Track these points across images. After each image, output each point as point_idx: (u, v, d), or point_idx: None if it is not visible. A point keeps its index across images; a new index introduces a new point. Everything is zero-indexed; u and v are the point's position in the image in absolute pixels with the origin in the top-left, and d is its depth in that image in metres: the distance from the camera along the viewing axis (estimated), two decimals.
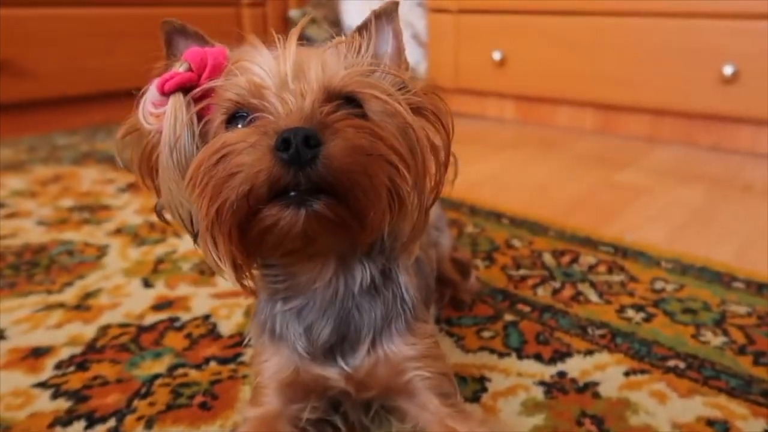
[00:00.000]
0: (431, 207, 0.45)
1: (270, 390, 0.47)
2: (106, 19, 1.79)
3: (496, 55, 1.86)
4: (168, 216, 0.44)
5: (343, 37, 0.45)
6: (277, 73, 0.39)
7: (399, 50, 0.46)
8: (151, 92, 0.40)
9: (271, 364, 0.47)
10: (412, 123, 0.41)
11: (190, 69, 0.40)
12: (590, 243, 0.95)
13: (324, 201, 0.37)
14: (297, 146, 0.34)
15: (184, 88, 0.40)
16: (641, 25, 1.60)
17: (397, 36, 0.46)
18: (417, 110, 0.43)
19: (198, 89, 0.40)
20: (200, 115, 0.41)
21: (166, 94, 0.39)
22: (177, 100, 0.39)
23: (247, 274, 0.43)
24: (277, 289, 0.46)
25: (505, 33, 1.85)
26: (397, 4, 0.45)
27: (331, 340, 0.46)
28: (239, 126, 0.40)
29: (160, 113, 0.40)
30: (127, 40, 1.82)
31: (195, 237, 0.43)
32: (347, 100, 0.40)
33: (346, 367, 0.46)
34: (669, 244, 0.96)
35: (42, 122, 1.72)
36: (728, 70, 1.46)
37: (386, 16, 0.45)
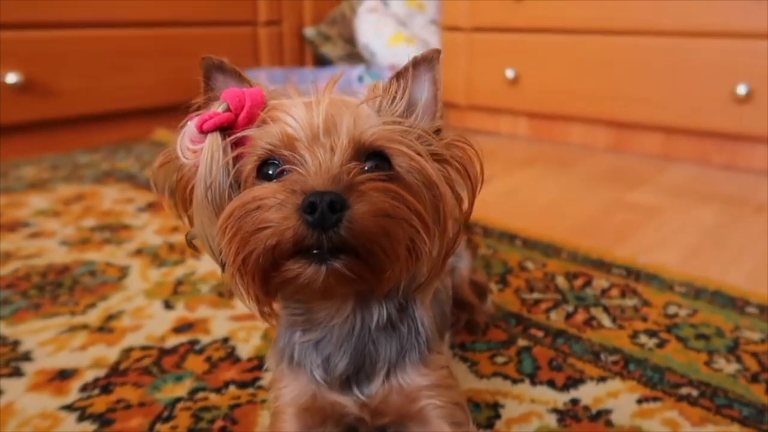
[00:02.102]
0: (451, 254, 0.46)
1: (288, 415, 0.49)
2: (126, 40, 1.83)
3: (510, 73, 1.88)
4: (198, 244, 0.46)
5: (380, 83, 0.46)
6: (309, 125, 0.41)
7: (435, 98, 0.47)
8: (190, 128, 0.42)
9: (290, 390, 0.49)
10: (438, 182, 0.43)
11: (228, 109, 0.42)
12: (603, 265, 0.95)
13: (344, 260, 0.38)
14: (322, 211, 0.36)
15: (222, 127, 0.42)
16: (655, 43, 1.61)
17: (436, 83, 0.47)
18: (445, 159, 0.45)
19: (234, 136, 0.42)
20: (235, 156, 0.43)
21: (204, 132, 0.41)
22: (214, 140, 0.41)
23: (268, 309, 0.45)
24: (296, 320, 0.48)
25: (518, 51, 1.87)
26: (439, 51, 0.47)
27: (348, 371, 0.47)
28: (270, 172, 0.42)
29: (197, 149, 0.42)
30: (146, 59, 1.87)
31: (223, 267, 0.44)
32: (376, 154, 0.42)
33: (361, 396, 0.48)
34: (682, 266, 0.97)
35: (64, 140, 1.76)
36: (742, 89, 1.46)
37: (426, 63, 0.46)
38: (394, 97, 0.45)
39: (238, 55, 2.09)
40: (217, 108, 0.42)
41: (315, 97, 0.43)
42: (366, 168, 0.41)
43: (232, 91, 0.43)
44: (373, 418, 0.49)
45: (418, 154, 0.43)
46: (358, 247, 0.38)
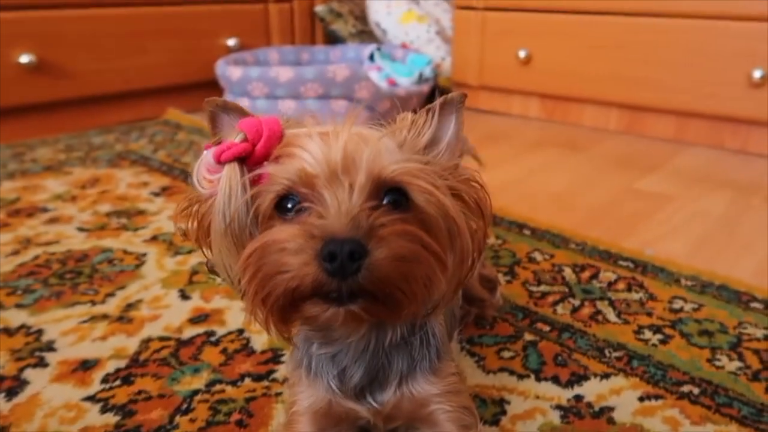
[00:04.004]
0: (465, 283, 0.48)
1: (304, 419, 0.51)
2: (137, 19, 1.83)
3: (522, 53, 1.86)
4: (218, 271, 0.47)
5: (410, 115, 0.47)
6: (326, 162, 0.41)
7: (458, 138, 0.48)
8: (207, 159, 0.42)
9: (306, 396, 0.51)
10: (455, 216, 0.44)
11: (245, 139, 0.42)
12: (610, 257, 0.97)
13: (362, 304, 0.40)
14: (342, 260, 0.37)
15: (240, 158, 0.42)
16: (669, 25, 1.59)
17: (459, 125, 0.48)
18: (459, 196, 0.46)
19: (253, 173, 0.42)
20: (252, 187, 0.43)
21: (222, 163, 0.42)
22: (232, 170, 0.41)
23: (286, 333, 0.47)
24: (314, 335, 0.50)
25: (531, 31, 1.85)
26: (465, 95, 0.48)
27: (362, 382, 0.50)
28: (289, 206, 0.42)
29: (214, 179, 0.42)
30: (158, 38, 1.88)
31: (241, 296, 0.45)
32: (395, 189, 0.42)
33: (374, 404, 0.50)
34: (690, 258, 0.98)
35: (78, 121, 1.77)
36: (757, 74, 1.45)
37: (454, 104, 0.48)
38: (420, 131, 0.46)
39: (249, 33, 2.09)
40: (235, 138, 0.42)
41: (333, 129, 0.43)
42: (384, 202, 0.42)
43: (249, 120, 0.43)
44: (385, 422, 0.51)
45: (437, 188, 0.43)
46: (376, 291, 0.39)
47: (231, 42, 2.03)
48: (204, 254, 0.47)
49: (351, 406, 0.50)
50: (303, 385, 0.52)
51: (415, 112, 0.49)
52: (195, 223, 0.46)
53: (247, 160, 0.42)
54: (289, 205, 0.42)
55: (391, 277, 0.39)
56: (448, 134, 0.48)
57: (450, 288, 0.46)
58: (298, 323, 0.47)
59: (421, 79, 1.94)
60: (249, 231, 0.43)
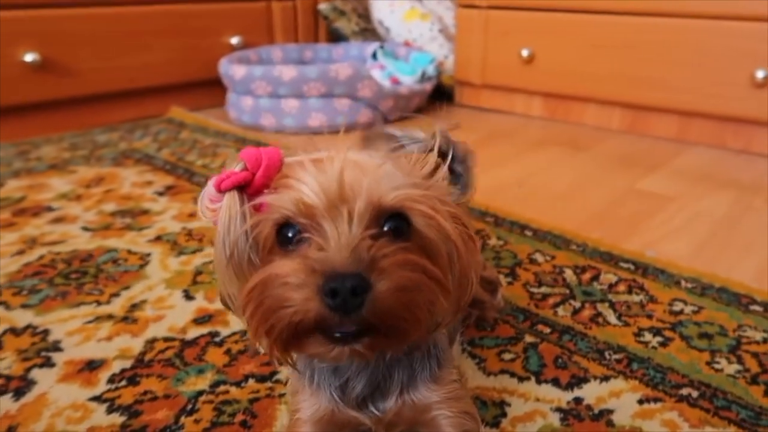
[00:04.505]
0: (467, 303, 0.48)
1: (307, 425, 0.52)
2: (141, 17, 1.83)
3: (525, 52, 1.86)
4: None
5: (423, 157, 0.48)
6: (324, 192, 0.41)
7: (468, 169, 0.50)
8: (209, 189, 0.43)
9: (309, 404, 0.52)
10: (456, 240, 0.44)
11: (245, 168, 0.42)
12: (611, 259, 0.97)
13: (366, 341, 0.40)
14: (344, 297, 0.37)
15: (240, 186, 0.42)
16: (673, 25, 1.59)
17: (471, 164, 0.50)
18: (457, 219, 0.46)
19: (252, 203, 0.43)
20: (253, 215, 0.43)
21: (222, 191, 0.42)
22: (232, 198, 0.42)
23: (290, 360, 0.47)
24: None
25: (534, 30, 1.85)
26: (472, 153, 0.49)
27: (364, 393, 0.50)
28: (290, 235, 0.42)
29: (215, 208, 0.43)
30: (161, 37, 1.88)
31: (246, 324, 0.45)
32: (395, 215, 0.42)
33: (376, 412, 0.51)
34: (691, 259, 0.98)
35: (82, 119, 1.78)
36: (761, 74, 1.45)
37: (467, 159, 0.50)
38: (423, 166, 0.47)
39: (253, 31, 2.09)
40: (235, 167, 0.43)
41: (328, 156, 0.43)
42: (385, 229, 0.42)
43: (249, 150, 0.43)
44: (387, 429, 0.52)
45: (438, 212, 0.43)
46: (380, 324, 0.39)
47: (234, 40, 2.03)
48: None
49: (353, 415, 0.51)
50: (306, 393, 0.52)
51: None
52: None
53: (247, 189, 0.43)
54: (290, 234, 0.42)
55: (394, 309, 0.39)
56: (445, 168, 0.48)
57: (451, 310, 0.46)
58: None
59: (423, 78, 1.94)
60: (249, 260, 0.43)
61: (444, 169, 0.48)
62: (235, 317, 0.81)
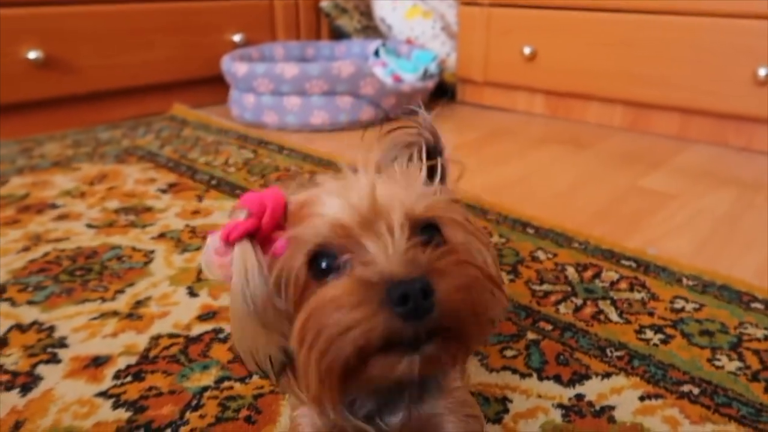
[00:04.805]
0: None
1: None
2: (142, 14, 1.83)
3: (527, 50, 1.86)
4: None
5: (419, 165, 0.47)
6: (356, 209, 0.39)
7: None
8: (214, 242, 0.41)
9: (310, 421, 0.50)
10: (484, 246, 0.44)
11: (250, 215, 0.40)
12: (613, 256, 0.98)
13: (438, 343, 0.37)
14: (416, 300, 0.34)
15: (249, 235, 0.40)
16: (675, 23, 1.59)
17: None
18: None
19: (280, 239, 0.41)
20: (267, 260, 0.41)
21: (231, 244, 0.40)
22: (245, 248, 0.39)
23: (337, 405, 0.42)
24: None
25: (536, 28, 1.85)
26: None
27: (372, 412, 0.48)
28: (324, 266, 0.39)
29: (225, 262, 0.40)
30: (163, 34, 1.88)
31: (277, 378, 0.43)
32: (429, 226, 0.41)
33: (383, 425, 0.49)
34: (692, 257, 0.99)
35: (85, 116, 1.79)
36: (763, 71, 1.45)
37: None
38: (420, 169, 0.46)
39: (255, 28, 2.09)
40: (239, 216, 0.40)
41: (350, 179, 0.42)
42: (429, 243, 0.40)
43: (250, 195, 0.41)
44: None
45: (465, 219, 0.43)
46: (450, 327, 0.37)
47: (236, 37, 2.04)
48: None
49: (360, 426, 0.49)
50: (307, 408, 0.50)
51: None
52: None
53: (256, 236, 0.40)
54: (324, 265, 0.40)
55: (461, 308, 0.37)
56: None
57: (500, 311, 0.44)
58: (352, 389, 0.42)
59: (426, 75, 1.94)
60: (275, 309, 0.40)
61: (439, 167, 0.48)
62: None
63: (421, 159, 0.47)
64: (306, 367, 0.38)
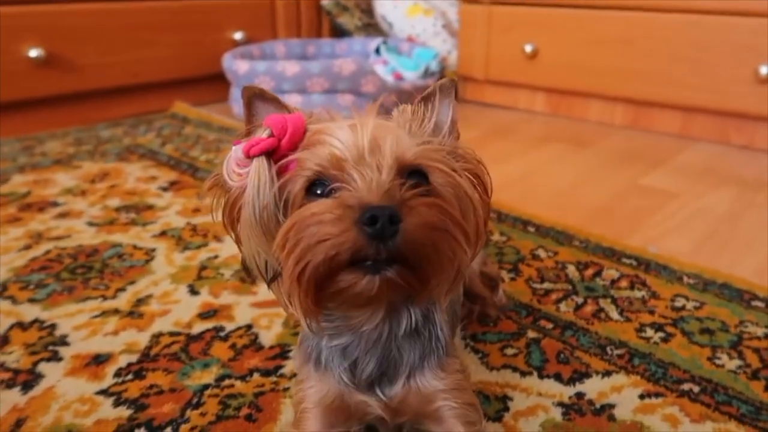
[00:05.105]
0: (473, 260, 0.50)
1: (314, 414, 0.52)
2: (144, 12, 1.84)
3: (528, 48, 1.86)
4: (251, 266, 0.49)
5: (408, 107, 0.50)
6: (355, 146, 0.44)
7: (454, 121, 0.51)
8: (236, 153, 0.45)
9: (316, 391, 0.52)
10: (471, 194, 0.47)
11: (272, 134, 0.44)
12: (614, 254, 0.98)
13: (396, 269, 0.41)
14: (383, 223, 0.39)
15: (268, 152, 0.44)
16: (676, 21, 1.58)
17: (454, 108, 0.51)
18: (467, 174, 0.48)
19: (285, 160, 0.45)
20: (279, 178, 0.45)
21: (251, 157, 0.44)
22: (261, 164, 0.44)
23: (315, 323, 0.48)
24: (325, 326, 0.50)
25: (538, 25, 1.85)
26: (455, 80, 0.51)
27: (373, 375, 0.51)
28: (319, 192, 0.44)
29: (243, 173, 0.44)
30: (164, 32, 1.89)
31: (268, 283, 0.47)
32: (415, 172, 0.45)
33: (383, 397, 0.51)
34: (693, 255, 0.99)
35: (86, 114, 1.79)
36: (764, 69, 1.45)
37: (446, 89, 0.51)
38: (423, 120, 0.49)
39: (256, 26, 2.09)
40: (262, 134, 0.44)
41: (358, 119, 0.46)
42: (407, 184, 0.44)
43: (275, 117, 0.45)
44: (393, 417, 0.52)
45: (453, 170, 0.46)
46: (409, 257, 0.41)
47: (238, 35, 2.04)
48: (228, 234, 0.49)
49: (361, 399, 0.51)
50: (312, 380, 0.53)
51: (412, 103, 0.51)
52: (225, 209, 0.48)
53: (274, 154, 0.45)
54: (319, 191, 0.44)
55: (422, 243, 0.41)
56: (446, 119, 0.51)
57: (464, 263, 0.47)
58: (326, 302, 0.47)
59: (427, 73, 1.94)
60: (277, 221, 0.44)
61: (448, 121, 0.51)
62: (244, 309, 0.82)
63: (432, 112, 0.50)
64: (285, 271, 0.43)
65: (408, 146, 0.45)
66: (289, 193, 0.45)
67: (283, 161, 0.45)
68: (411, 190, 0.43)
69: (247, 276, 0.50)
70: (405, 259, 0.41)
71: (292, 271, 0.42)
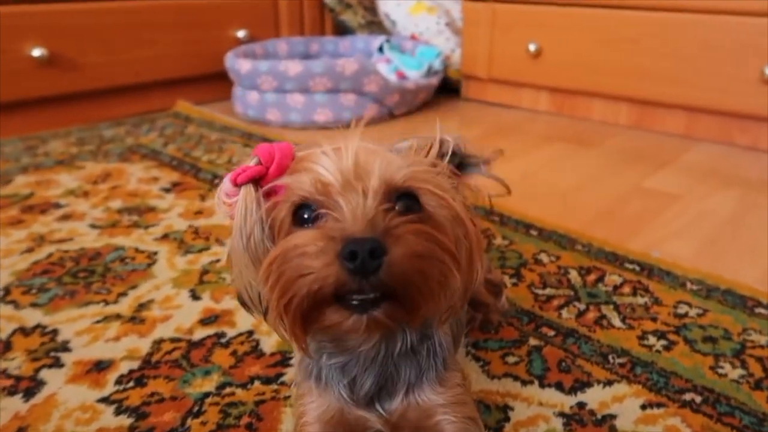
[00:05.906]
0: (474, 286, 0.49)
1: (314, 429, 0.52)
2: (146, 11, 1.83)
3: (532, 46, 1.85)
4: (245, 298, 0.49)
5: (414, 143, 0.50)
6: (340, 171, 0.43)
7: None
8: (226, 184, 0.45)
9: (316, 406, 0.52)
10: (464, 217, 0.46)
11: (259, 163, 0.44)
12: (617, 259, 0.97)
13: (384, 308, 0.41)
14: (363, 258, 0.38)
15: (255, 180, 0.44)
16: (681, 20, 1.57)
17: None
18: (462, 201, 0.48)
19: (268, 185, 0.45)
20: (268, 207, 0.45)
21: (238, 185, 0.44)
22: (248, 191, 0.44)
23: (305, 345, 0.47)
24: (324, 346, 0.51)
25: (542, 24, 1.84)
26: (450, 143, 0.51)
27: (371, 391, 0.51)
28: (306, 217, 0.44)
29: (232, 203, 0.45)
30: (167, 31, 1.88)
31: (264, 314, 0.47)
32: (405, 195, 0.44)
33: (383, 412, 0.51)
34: (696, 260, 0.98)
35: (89, 113, 1.79)
36: None
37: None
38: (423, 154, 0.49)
39: (259, 24, 2.09)
40: (249, 162, 0.45)
41: (344, 143, 0.45)
42: (397, 209, 0.43)
43: (263, 146, 0.45)
44: (393, 431, 0.52)
45: (446, 192, 0.46)
46: (397, 288, 0.40)
47: (240, 34, 2.03)
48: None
49: (361, 414, 0.51)
50: (313, 395, 0.53)
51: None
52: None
53: (262, 182, 0.45)
54: (306, 216, 0.44)
55: (409, 274, 0.40)
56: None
57: (460, 292, 0.47)
58: (315, 333, 0.47)
59: (430, 72, 1.94)
60: (265, 249, 0.44)
61: (444, 164, 0.50)
62: (245, 315, 0.82)
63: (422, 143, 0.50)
64: (271, 304, 0.43)
65: (397, 168, 0.44)
66: (275, 220, 0.45)
67: (270, 186, 0.45)
68: (399, 215, 0.42)
69: (243, 308, 0.49)
70: (392, 290, 0.40)
71: (277, 304, 0.42)
